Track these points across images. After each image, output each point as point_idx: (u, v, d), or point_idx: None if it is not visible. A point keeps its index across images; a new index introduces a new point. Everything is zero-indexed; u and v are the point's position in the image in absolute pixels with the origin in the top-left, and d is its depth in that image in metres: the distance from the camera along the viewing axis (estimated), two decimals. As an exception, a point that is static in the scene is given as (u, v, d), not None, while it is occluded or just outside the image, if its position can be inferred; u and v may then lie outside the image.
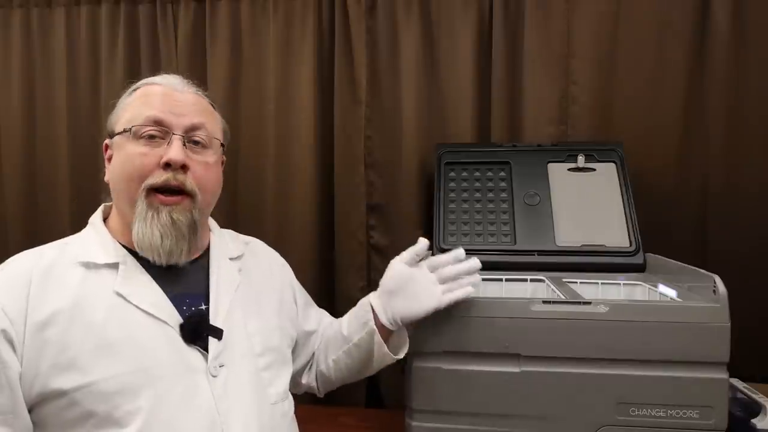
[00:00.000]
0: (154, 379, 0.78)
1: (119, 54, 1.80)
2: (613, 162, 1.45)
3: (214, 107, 0.96)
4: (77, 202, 1.84)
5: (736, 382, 1.23)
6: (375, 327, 1.01)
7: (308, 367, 1.14)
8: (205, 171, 0.89)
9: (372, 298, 1.04)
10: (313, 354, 1.14)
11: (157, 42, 1.79)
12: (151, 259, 0.84)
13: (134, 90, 0.91)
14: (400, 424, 1.10)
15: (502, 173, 1.49)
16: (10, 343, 0.74)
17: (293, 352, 1.07)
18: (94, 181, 1.83)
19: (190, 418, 0.79)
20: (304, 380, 1.13)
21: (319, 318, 1.17)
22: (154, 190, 0.84)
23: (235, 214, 1.74)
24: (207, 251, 0.96)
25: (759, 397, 1.16)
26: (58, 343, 0.76)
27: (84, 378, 0.75)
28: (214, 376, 0.83)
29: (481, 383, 1.03)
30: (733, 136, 1.53)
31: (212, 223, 1.03)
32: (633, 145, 1.53)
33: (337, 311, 1.70)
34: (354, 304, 1.67)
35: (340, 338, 1.08)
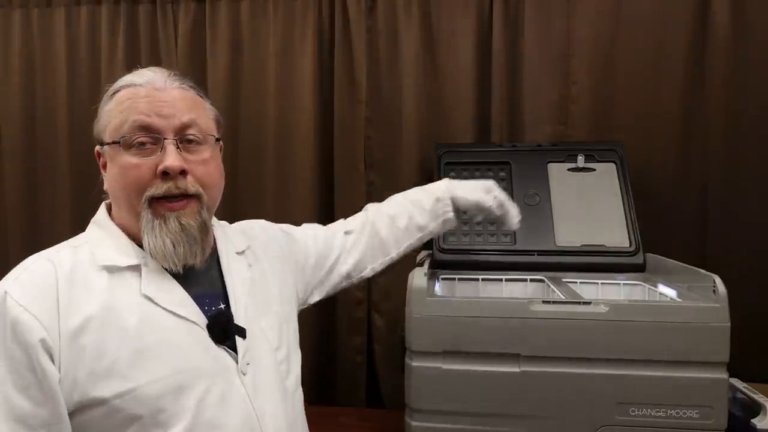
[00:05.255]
0: (195, 380, 0.78)
1: (119, 54, 1.80)
2: (613, 162, 1.45)
3: (202, 96, 0.91)
4: (77, 201, 1.84)
5: (736, 382, 1.23)
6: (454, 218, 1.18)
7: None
8: (205, 168, 0.86)
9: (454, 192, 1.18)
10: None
11: (157, 42, 1.79)
12: (166, 267, 0.82)
13: (114, 93, 0.87)
14: (400, 424, 1.11)
15: (502, 173, 1.49)
16: (49, 352, 0.72)
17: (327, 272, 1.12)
18: (94, 181, 1.82)
19: (231, 416, 0.80)
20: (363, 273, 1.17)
21: (325, 241, 1.16)
22: (157, 198, 0.81)
23: (235, 214, 1.74)
24: (214, 248, 0.94)
25: (759, 397, 1.16)
26: (94, 349, 0.74)
27: (125, 384, 0.74)
28: (244, 374, 0.83)
29: (481, 383, 1.03)
30: (733, 136, 1.53)
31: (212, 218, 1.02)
32: (633, 145, 1.53)
33: (337, 312, 1.71)
34: (354, 303, 1.69)
35: (412, 229, 1.17)
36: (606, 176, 1.44)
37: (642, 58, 1.57)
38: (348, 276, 1.15)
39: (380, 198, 1.69)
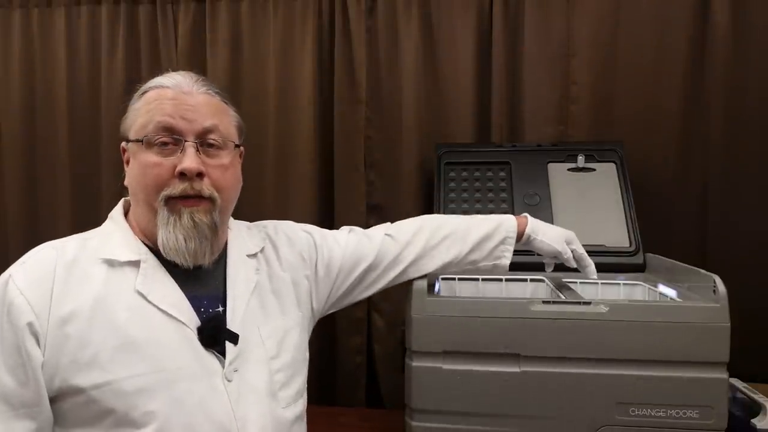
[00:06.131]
0: (173, 381, 0.79)
1: (119, 54, 1.80)
2: (613, 162, 1.45)
3: (227, 103, 0.94)
4: (77, 201, 1.84)
5: (736, 382, 1.23)
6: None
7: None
8: (222, 173, 0.88)
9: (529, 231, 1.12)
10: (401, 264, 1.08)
11: (157, 42, 1.79)
12: (178, 262, 0.84)
13: (143, 93, 0.89)
14: (400, 424, 1.11)
15: (502, 173, 1.49)
16: (36, 336, 0.75)
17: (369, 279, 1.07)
18: (94, 181, 1.83)
19: (207, 421, 0.80)
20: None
21: (358, 247, 1.08)
22: (174, 197, 0.83)
23: (235, 214, 1.74)
24: (225, 250, 0.95)
25: (759, 397, 1.16)
26: (79, 339, 0.76)
27: (104, 376, 0.76)
28: (229, 381, 0.83)
29: (481, 383, 1.03)
30: (733, 136, 1.53)
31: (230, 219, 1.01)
32: (633, 145, 1.53)
33: (336, 312, 1.69)
34: (354, 303, 1.67)
35: (463, 262, 1.11)
36: (606, 176, 1.44)
37: (642, 58, 1.57)
38: (379, 288, 1.09)
39: (380, 198, 1.71)
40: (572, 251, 1.12)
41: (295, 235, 1.06)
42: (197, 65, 1.76)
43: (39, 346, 0.76)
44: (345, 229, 1.12)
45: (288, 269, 1.00)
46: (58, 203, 1.85)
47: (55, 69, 1.84)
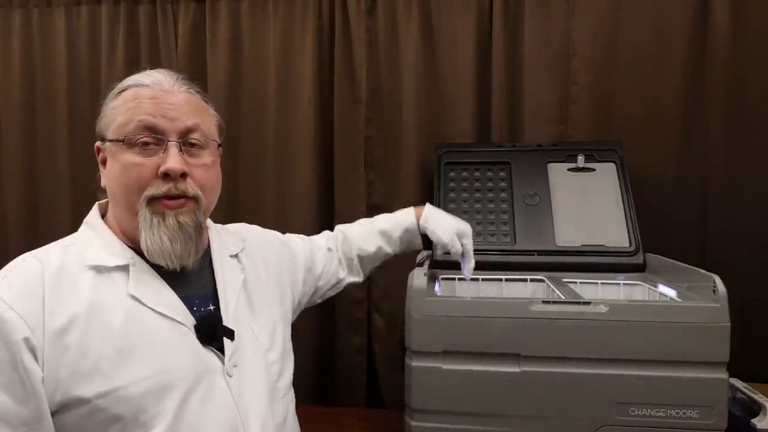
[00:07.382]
0: (177, 380, 0.79)
1: (119, 54, 1.80)
2: (613, 162, 1.45)
3: (207, 102, 0.93)
4: (77, 201, 1.84)
5: (736, 382, 1.23)
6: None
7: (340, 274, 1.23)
8: (205, 172, 0.87)
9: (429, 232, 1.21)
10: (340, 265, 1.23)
11: (157, 42, 1.79)
12: (163, 264, 0.83)
13: (121, 91, 0.87)
14: (400, 424, 1.11)
15: (502, 173, 1.49)
16: (33, 351, 0.73)
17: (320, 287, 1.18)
18: (94, 181, 1.82)
19: (214, 418, 0.80)
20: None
21: (312, 252, 1.20)
22: (156, 198, 0.82)
23: (235, 215, 1.75)
24: (207, 250, 0.95)
25: (759, 397, 1.16)
26: (78, 349, 0.75)
27: (108, 384, 0.75)
28: (230, 376, 0.84)
29: (481, 383, 1.03)
30: (733, 136, 1.53)
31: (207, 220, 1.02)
32: (633, 145, 1.53)
33: (337, 312, 1.71)
34: (354, 303, 1.69)
35: (379, 256, 1.24)
36: (606, 176, 1.44)
37: (642, 58, 1.57)
38: (324, 293, 1.21)
39: (380, 198, 1.71)
40: (462, 245, 1.19)
41: (268, 237, 1.12)
42: (197, 65, 1.76)
43: (37, 362, 0.73)
44: (293, 236, 1.21)
45: (268, 267, 1.03)
46: (58, 203, 1.85)
47: (55, 69, 1.84)
